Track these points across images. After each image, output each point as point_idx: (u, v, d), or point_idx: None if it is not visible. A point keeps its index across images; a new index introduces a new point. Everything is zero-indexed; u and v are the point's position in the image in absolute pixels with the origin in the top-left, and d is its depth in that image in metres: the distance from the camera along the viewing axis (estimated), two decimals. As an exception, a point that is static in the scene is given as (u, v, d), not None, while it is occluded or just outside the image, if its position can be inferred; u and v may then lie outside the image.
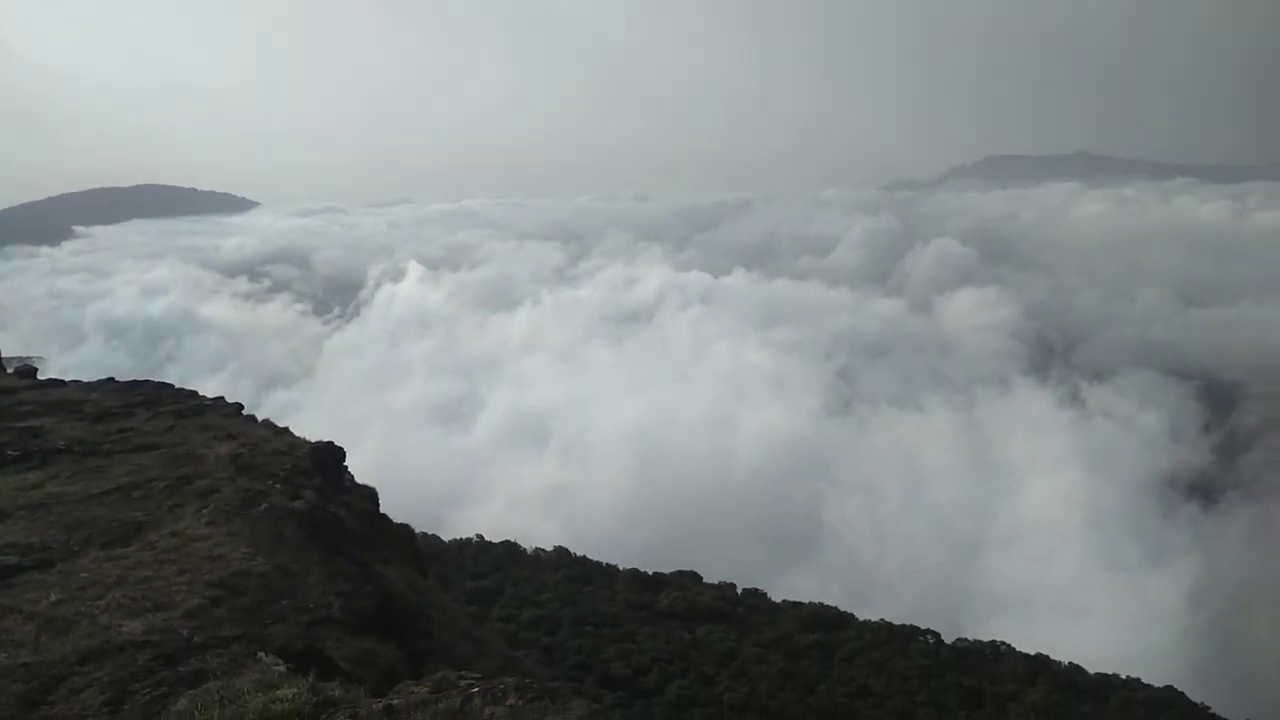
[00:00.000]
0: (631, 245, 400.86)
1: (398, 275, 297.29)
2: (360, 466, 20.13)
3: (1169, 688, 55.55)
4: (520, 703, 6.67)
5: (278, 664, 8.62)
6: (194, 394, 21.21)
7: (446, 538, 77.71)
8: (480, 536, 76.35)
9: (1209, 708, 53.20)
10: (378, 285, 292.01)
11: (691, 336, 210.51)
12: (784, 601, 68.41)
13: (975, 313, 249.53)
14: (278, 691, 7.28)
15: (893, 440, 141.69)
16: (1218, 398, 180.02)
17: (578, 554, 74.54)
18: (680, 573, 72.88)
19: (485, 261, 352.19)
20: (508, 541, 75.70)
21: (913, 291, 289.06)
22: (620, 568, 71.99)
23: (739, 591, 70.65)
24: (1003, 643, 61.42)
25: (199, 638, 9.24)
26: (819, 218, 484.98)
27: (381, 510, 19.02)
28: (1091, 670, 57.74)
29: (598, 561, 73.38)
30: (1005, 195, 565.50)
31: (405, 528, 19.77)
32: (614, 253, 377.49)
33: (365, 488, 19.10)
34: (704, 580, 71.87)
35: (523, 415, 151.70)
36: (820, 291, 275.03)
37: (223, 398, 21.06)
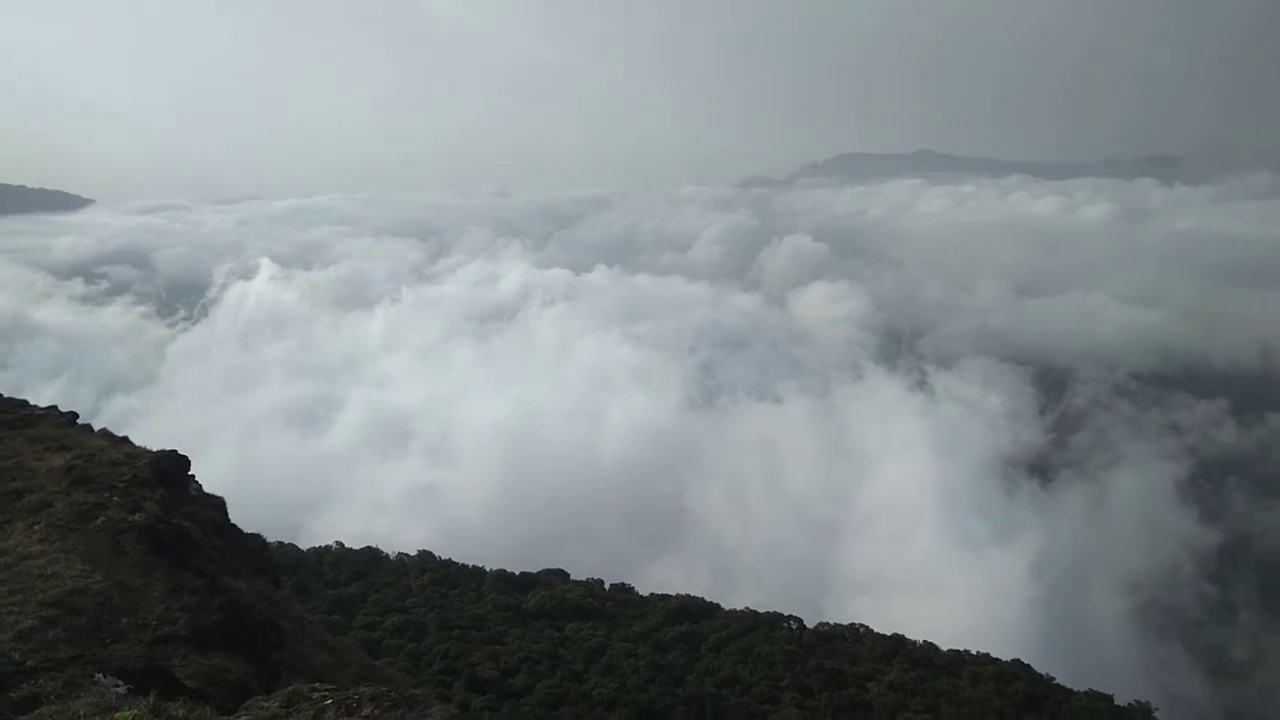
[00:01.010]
0: (492, 242, 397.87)
1: (248, 274, 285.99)
2: (210, 475, 19.25)
3: (1016, 660, 58.36)
4: (376, 712, 6.46)
5: (117, 685, 8.16)
6: (23, 403, 19.79)
7: (305, 546, 75.42)
8: (340, 544, 74.31)
9: (1053, 678, 56.09)
10: (226, 285, 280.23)
11: (555, 333, 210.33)
12: (652, 595, 69.12)
13: (828, 305, 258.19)
14: (116, 714, 6.91)
15: (753, 430, 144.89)
16: (1051, 382, 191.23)
17: (443, 557, 73.48)
18: (548, 571, 72.75)
19: (340, 259, 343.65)
20: (369, 547, 73.93)
21: (769, 286, 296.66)
22: (487, 569, 71.32)
23: (607, 587, 71.00)
24: (862, 625, 63.54)
25: (31, 661, 8.74)
26: (678, 214, 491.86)
27: (232, 520, 18.20)
28: (944, 647, 60.23)
29: (464, 564, 72.52)
30: (854, 192, 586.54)
31: (257, 537, 18.97)
32: (474, 249, 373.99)
33: (213, 497, 18.21)
34: (572, 578, 71.90)
35: (384, 416, 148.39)
36: (681, 286, 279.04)
37: (55, 407, 19.71)
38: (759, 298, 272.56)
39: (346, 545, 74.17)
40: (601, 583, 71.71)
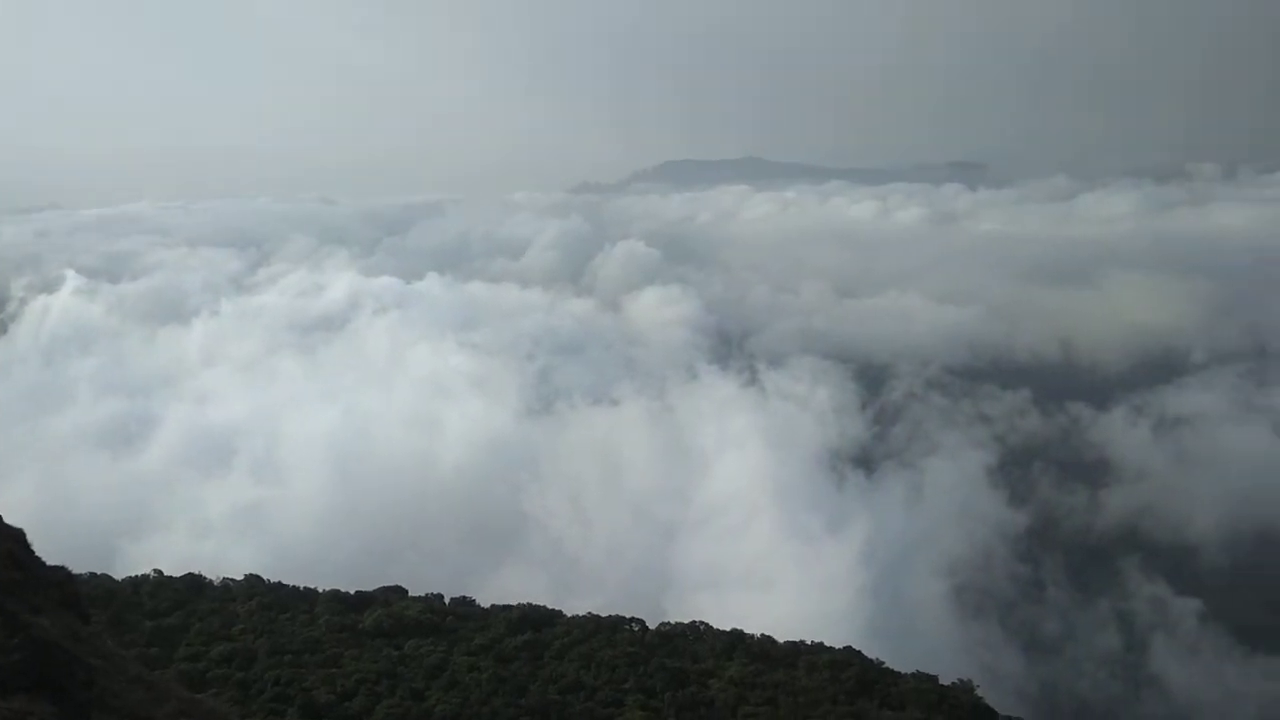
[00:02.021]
0: (316, 250, 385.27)
1: (49, 287, 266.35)
2: (10, 505, 17.77)
3: (848, 647, 60.56)
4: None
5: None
6: None
7: (120, 575, 70.71)
8: (159, 571, 70.00)
9: (883, 662, 58.53)
10: (25, 299, 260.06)
11: (387, 343, 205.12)
12: (493, 606, 68.19)
13: (661, 309, 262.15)
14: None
15: (592, 434, 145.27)
16: (871, 377, 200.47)
17: (272, 580, 70.33)
18: (385, 588, 70.65)
19: (152, 270, 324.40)
20: (191, 574, 69.97)
21: (603, 291, 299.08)
22: (320, 590, 68.72)
23: (447, 601, 69.62)
24: (702, 622, 64.54)
25: None
26: (510, 220, 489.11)
27: (34, 552, 16.81)
28: (781, 639, 61.92)
29: (295, 586, 69.59)
30: (683, 198, 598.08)
31: (61, 570, 17.60)
32: (297, 258, 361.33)
33: (10, 529, 16.80)
34: (411, 594, 70.10)
35: (205, 433, 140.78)
36: (515, 293, 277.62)
37: None
38: (593, 303, 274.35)
39: (166, 573, 69.92)
40: (441, 597, 70.25)
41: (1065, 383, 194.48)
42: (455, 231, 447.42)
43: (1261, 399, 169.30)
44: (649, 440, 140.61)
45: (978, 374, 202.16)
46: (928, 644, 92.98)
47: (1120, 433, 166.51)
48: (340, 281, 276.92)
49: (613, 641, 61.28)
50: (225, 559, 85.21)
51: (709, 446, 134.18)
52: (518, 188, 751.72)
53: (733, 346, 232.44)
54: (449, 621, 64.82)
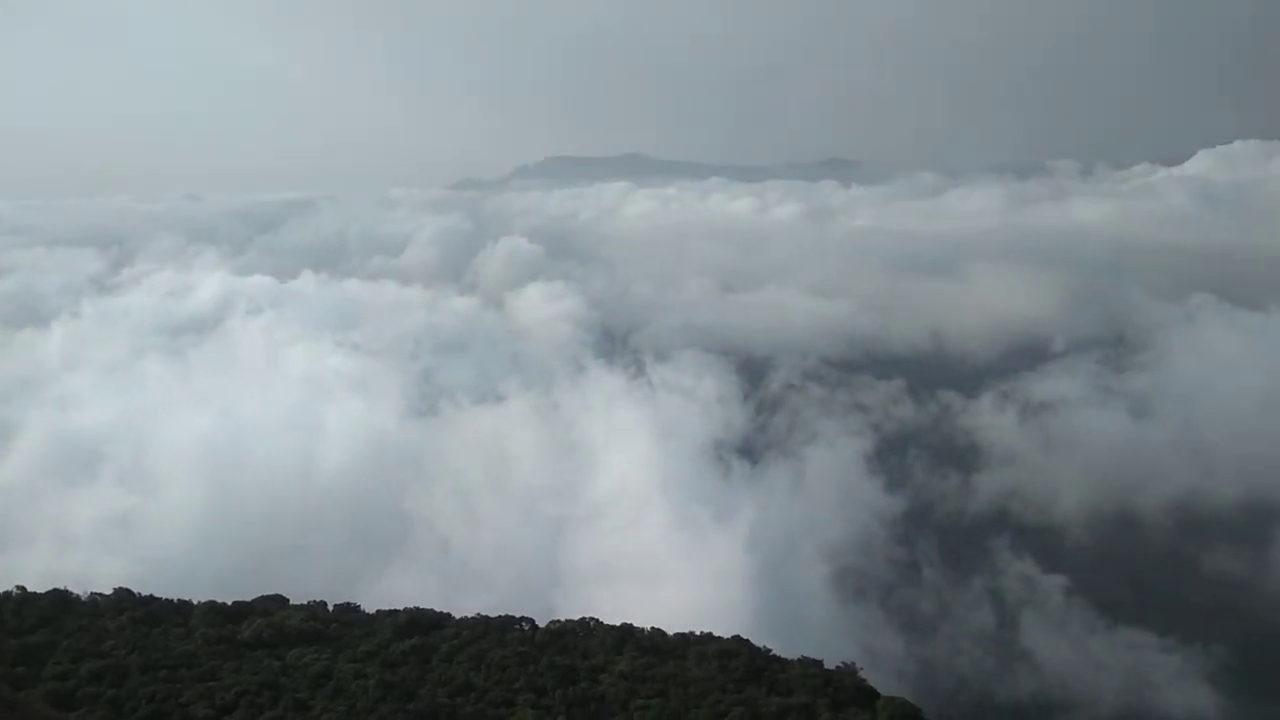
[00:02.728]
0: (183, 249, 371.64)
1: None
2: None
3: (736, 637, 61.53)
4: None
5: None
6: None
7: (-23, 594, 66.71)
8: (21, 588, 66.32)
9: (770, 649, 59.67)
10: None
11: (261, 344, 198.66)
12: (379, 611, 66.98)
13: (545, 305, 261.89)
14: None
15: (478, 432, 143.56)
16: (753, 370, 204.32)
17: (144, 593, 67.47)
18: (265, 598, 68.50)
19: (6, 272, 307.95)
20: (56, 590, 66.51)
21: (486, 288, 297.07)
22: (195, 602, 66.26)
23: (331, 608, 68.06)
24: (592, 618, 64.63)
25: None
26: (389, 217, 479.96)
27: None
28: (671, 631, 62.52)
29: (168, 599, 66.96)
30: (566, 194, 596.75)
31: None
32: (163, 258, 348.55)
33: None
34: (292, 602, 68.20)
35: (68, 441, 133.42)
36: (395, 291, 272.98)
37: None
38: (476, 300, 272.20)
39: (29, 589, 66.34)
40: (324, 604, 68.62)
41: (936, 372, 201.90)
42: (331, 228, 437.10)
43: (1118, 384, 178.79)
44: (536, 437, 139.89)
45: (854, 365, 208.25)
46: (813, 629, 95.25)
47: (989, 419, 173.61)
48: (210, 281, 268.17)
49: (503, 642, 60.91)
50: (93, 573, 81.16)
51: (596, 442, 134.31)
52: (396, 183, 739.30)
53: (617, 342, 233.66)
54: (333, 629, 63.37)
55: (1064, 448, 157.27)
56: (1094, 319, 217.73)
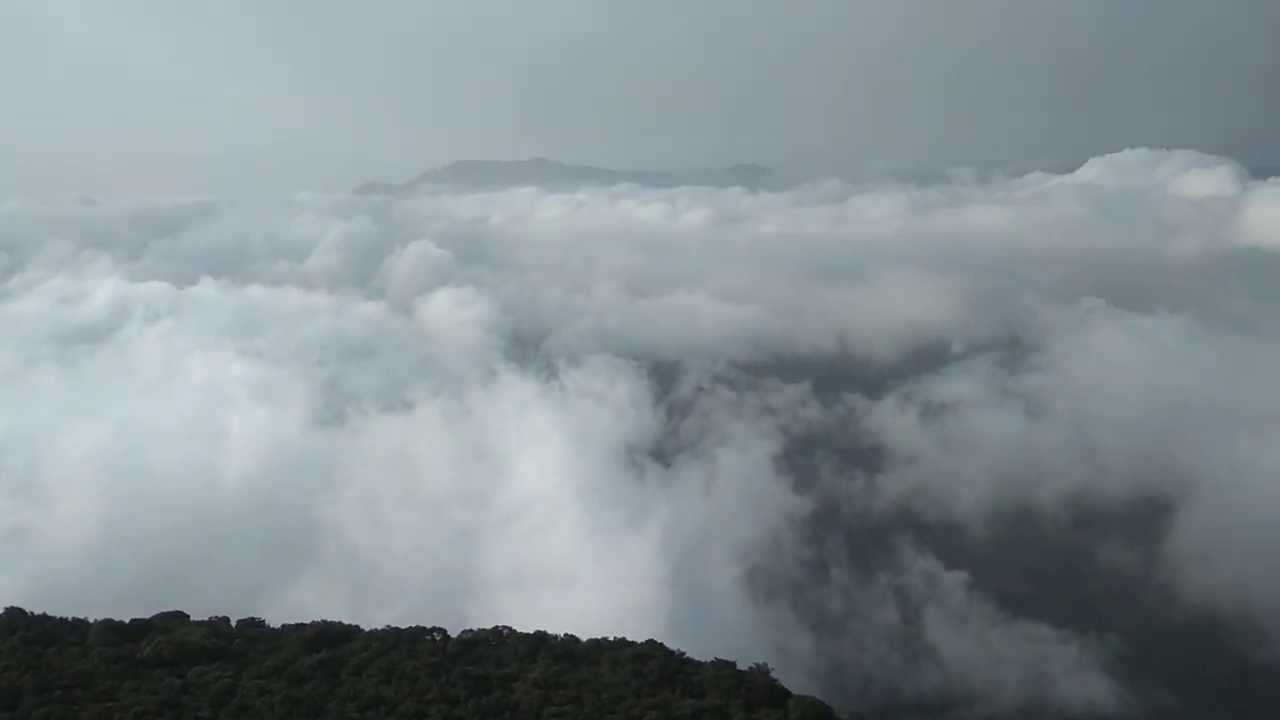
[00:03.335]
0: (76, 255, 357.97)
1: None
2: None
3: (650, 641, 61.81)
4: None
5: None
6: None
7: None
8: (-99, 610, 63.21)
9: (684, 653, 60.15)
10: None
11: (159, 352, 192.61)
12: (284, 626, 65.51)
13: (455, 311, 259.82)
14: None
15: (387, 440, 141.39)
16: (663, 374, 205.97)
17: (37, 612, 64.87)
18: (165, 614, 66.35)
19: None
20: (-60, 612, 63.57)
21: (394, 293, 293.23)
22: (91, 620, 63.94)
23: (233, 624, 66.35)
24: (505, 627, 64.29)
25: None
26: (293, 221, 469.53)
27: None
28: (585, 638, 62.56)
29: (63, 617, 64.49)
30: (476, 199, 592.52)
31: None
32: (55, 264, 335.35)
33: None
34: (194, 618, 66.24)
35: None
36: (299, 297, 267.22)
37: None
38: (384, 306, 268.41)
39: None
40: (227, 619, 66.86)
41: (842, 374, 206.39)
42: (232, 233, 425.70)
43: (1014, 385, 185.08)
44: (447, 444, 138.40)
45: (762, 368, 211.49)
46: (725, 630, 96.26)
47: (892, 420, 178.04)
48: (104, 288, 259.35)
49: (414, 653, 60.21)
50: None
51: (509, 447, 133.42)
52: (300, 187, 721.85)
53: (528, 347, 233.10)
54: (236, 645, 61.83)
55: (963, 447, 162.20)
56: (991, 322, 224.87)
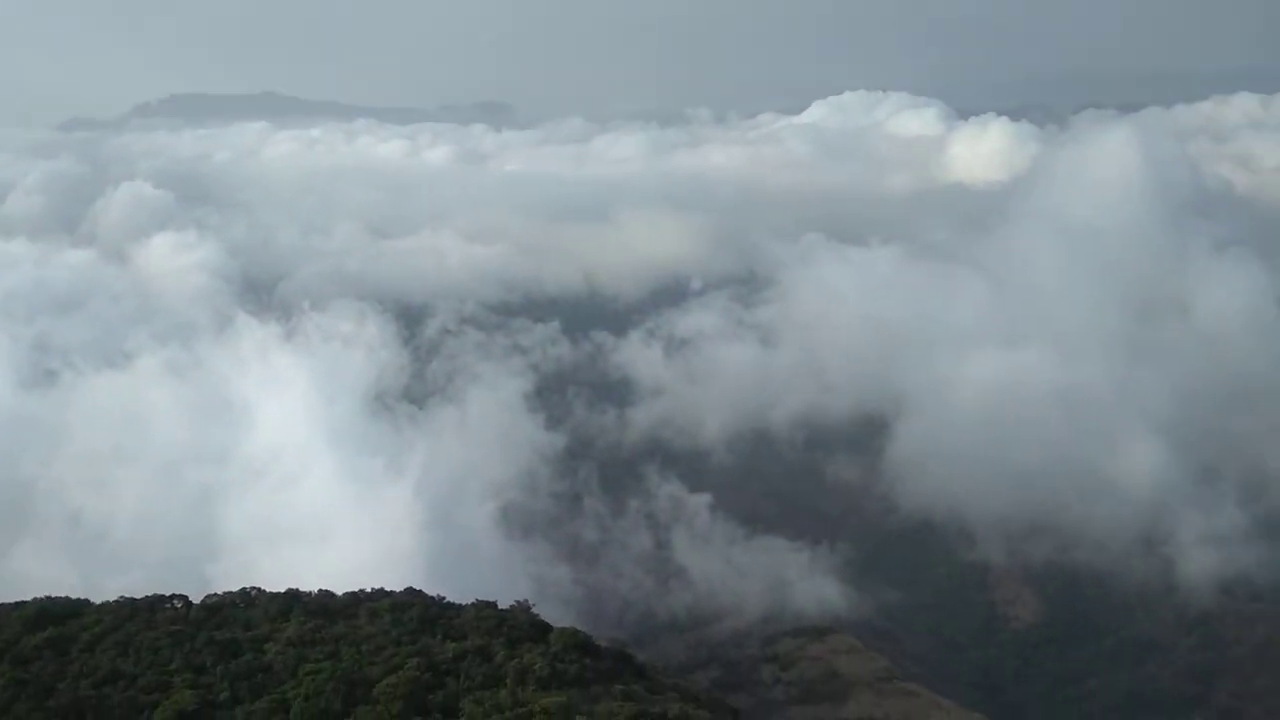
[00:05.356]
0: None
1: None
2: None
3: (409, 589, 61.30)
4: None
5: None
6: None
7: None
8: None
9: (444, 597, 60.11)
10: None
11: None
12: (2, 605, 60.06)
13: (176, 256, 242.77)
14: None
15: (109, 398, 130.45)
16: (410, 317, 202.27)
17: None
18: None
19: None
20: None
21: (106, 239, 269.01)
22: None
23: (-61, 606, 60.08)
24: (254, 588, 61.71)
25: None
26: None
27: None
28: (341, 591, 61.23)
29: None
30: (196, 135, 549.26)
31: None
32: None
33: None
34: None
35: None
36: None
37: None
38: (95, 253, 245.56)
39: None
40: (-70, 602, 60.49)
41: (589, 312, 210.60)
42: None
43: (750, 317, 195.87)
44: (178, 397, 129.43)
45: (511, 308, 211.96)
46: (485, 570, 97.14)
47: (638, 354, 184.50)
48: None
49: (152, 623, 56.77)
50: None
51: (249, 397, 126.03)
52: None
53: (262, 293, 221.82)
54: (-57, 630, 56.13)
55: (705, 377, 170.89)
56: (727, 258, 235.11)
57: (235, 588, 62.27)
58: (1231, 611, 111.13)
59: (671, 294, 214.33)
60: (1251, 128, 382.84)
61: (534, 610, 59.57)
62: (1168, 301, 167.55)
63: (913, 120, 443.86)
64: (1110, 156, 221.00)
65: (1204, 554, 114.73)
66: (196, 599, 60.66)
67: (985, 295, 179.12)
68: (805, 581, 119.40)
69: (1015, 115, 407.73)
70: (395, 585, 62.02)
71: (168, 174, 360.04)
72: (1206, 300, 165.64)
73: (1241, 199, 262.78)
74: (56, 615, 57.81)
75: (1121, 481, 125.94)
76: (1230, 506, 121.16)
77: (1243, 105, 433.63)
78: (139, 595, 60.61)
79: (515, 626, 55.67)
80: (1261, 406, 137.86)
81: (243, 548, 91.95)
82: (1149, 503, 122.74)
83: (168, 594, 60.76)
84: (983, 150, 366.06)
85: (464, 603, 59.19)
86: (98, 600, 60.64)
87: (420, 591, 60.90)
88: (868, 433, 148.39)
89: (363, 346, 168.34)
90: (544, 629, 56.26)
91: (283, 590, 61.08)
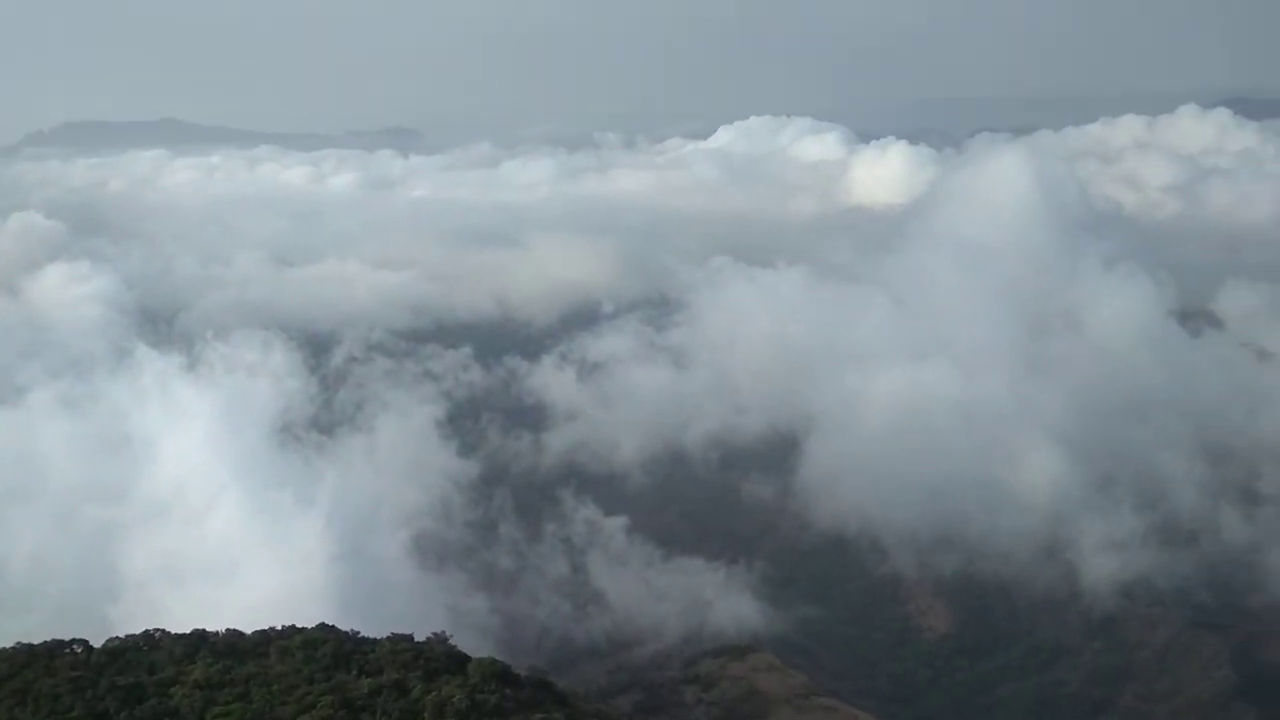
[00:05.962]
0: None
1: None
2: None
3: (321, 624, 59.73)
4: None
5: None
6: None
7: None
8: None
9: (358, 632, 58.86)
10: None
11: None
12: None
13: (69, 288, 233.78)
14: None
15: (0, 435, 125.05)
16: (317, 346, 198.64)
17: None
18: None
19: None
20: None
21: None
22: None
23: None
24: (158, 630, 59.82)
25: None
26: None
27: None
28: (250, 630, 59.62)
29: None
30: (90, 164, 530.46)
31: None
32: None
33: None
34: None
35: None
36: None
37: None
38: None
39: None
40: None
41: (501, 337, 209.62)
42: None
43: (661, 340, 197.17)
44: (74, 433, 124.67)
45: (421, 335, 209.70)
46: (400, 602, 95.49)
47: (551, 379, 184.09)
48: None
49: (51, 669, 54.56)
50: None
51: (149, 431, 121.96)
52: None
53: (161, 324, 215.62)
54: None
55: (619, 400, 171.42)
56: (637, 282, 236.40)
57: (138, 630, 60.37)
58: (1134, 615, 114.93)
59: (583, 318, 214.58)
60: (1138, 149, 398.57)
61: (451, 641, 58.93)
62: (1061, 316, 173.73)
63: (816, 144, 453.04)
64: (1004, 178, 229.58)
65: (1105, 560, 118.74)
66: (98, 643, 58.60)
67: (888, 314, 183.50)
68: (723, 601, 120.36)
69: (914, 139, 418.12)
70: (307, 621, 60.51)
71: (60, 204, 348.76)
72: (1098, 315, 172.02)
73: (1129, 217, 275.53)
74: (-56, 666, 55.19)
75: (1023, 492, 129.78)
76: (1128, 513, 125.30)
77: (1129, 127, 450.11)
78: (36, 641, 58.23)
79: (432, 659, 54.98)
80: (1153, 415, 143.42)
81: (146, 588, 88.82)
82: (1050, 512, 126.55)
83: (67, 639, 58.53)
84: (883, 173, 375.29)
85: (379, 636, 58.15)
86: (-9, 648, 58.05)
87: (333, 627, 59.57)
88: (780, 451, 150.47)
89: (268, 376, 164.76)
90: (462, 660, 55.67)
91: (188, 631, 59.40)
